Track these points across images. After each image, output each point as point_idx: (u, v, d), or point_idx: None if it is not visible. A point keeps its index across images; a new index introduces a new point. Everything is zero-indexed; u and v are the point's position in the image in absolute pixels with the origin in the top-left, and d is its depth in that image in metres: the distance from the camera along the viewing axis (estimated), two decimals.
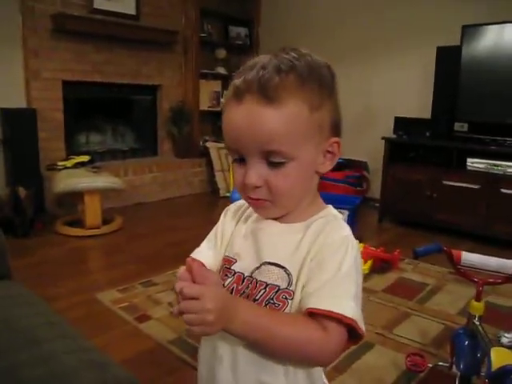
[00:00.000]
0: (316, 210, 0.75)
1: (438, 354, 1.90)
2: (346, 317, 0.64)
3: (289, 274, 0.70)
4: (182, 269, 0.64)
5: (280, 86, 0.65)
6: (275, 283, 0.70)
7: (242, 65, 0.72)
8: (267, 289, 0.70)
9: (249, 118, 0.66)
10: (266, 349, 0.68)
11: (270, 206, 0.71)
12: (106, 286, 2.50)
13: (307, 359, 0.70)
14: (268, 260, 0.72)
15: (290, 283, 0.70)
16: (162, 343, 1.94)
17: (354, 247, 0.70)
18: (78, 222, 3.50)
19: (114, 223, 3.57)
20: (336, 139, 0.72)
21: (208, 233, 0.87)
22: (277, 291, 0.70)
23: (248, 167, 0.69)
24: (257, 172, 0.68)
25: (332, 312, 0.64)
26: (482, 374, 1.45)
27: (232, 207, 0.86)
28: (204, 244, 0.85)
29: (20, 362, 0.93)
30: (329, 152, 0.72)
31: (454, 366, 1.57)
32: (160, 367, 1.79)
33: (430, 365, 1.76)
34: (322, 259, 0.68)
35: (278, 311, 0.69)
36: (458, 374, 1.50)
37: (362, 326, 0.66)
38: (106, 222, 3.53)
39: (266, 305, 0.69)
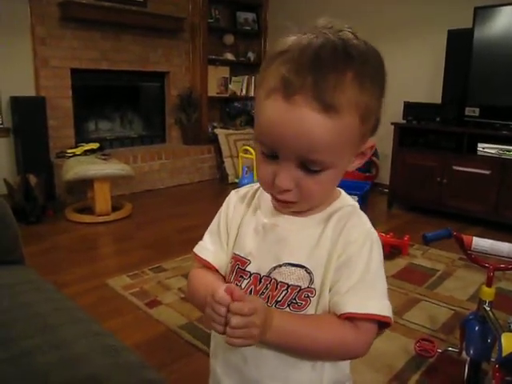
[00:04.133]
0: (332, 197, 0.72)
1: (448, 340, 1.90)
2: (383, 316, 0.65)
3: (310, 273, 0.68)
4: (222, 291, 0.60)
5: (338, 91, 0.58)
6: (296, 284, 0.68)
7: (280, 40, 0.63)
8: (289, 290, 0.68)
9: (298, 123, 0.58)
10: (301, 353, 0.68)
11: (297, 204, 0.67)
12: (117, 271, 2.53)
13: (342, 358, 0.72)
14: (288, 261, 0.69)
15: (311, 281, 0.68)
16: (172, 328, 1.96)
17: (377, 241, 0.69)
18: (88, 209, 3.53)
19: (123, 210, 3.60)
20: (373, 143, 0.68)
21: None
22: (299, 291, 0.68)
23: (281, 169, 0.63)
24: (290, 176, 0.63)
25: (371, 315, 0.65)
26: (493, 359, 1.45)
27: (234, 196, 0.80)
28: (207, 239, 0.81)
29: (33, 347, 0.94)
30: (362, 153, 0.68)
31: (463, 352, 1.57)
32: (171, 352, 1.81)
33: (440, 350, 1.77)
34: (348, 258, 0.67)
35: (311, 316, 0.68)
36: (468, 359, 1.51)
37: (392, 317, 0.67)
38: (115, 208, 3.55)
39: (288, 305, 0.68)
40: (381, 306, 0.66)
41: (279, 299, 0.69)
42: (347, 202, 0.73)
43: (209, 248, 0.79)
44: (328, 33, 0.61)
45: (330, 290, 0.68)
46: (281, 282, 0.69)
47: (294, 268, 0.69)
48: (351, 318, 0.65)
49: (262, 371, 0.71)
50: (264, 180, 0.66)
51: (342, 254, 0.67)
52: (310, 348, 0.66)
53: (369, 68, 0.61)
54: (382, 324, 0.67)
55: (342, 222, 0.69)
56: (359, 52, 0.60)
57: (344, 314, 0.65)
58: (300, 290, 0.68)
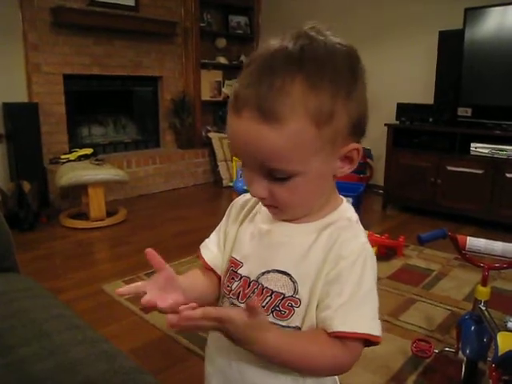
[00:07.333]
0: (331, 206, 0.71)
1: (444, 340, 1.91)
2: (373, 336, 0.65)
3: (294, 282, 0.67)
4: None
5: (281, 96, 0.57)
6: (280, 291, 0.68)
7: (252, 52, 0.64)
8: (273, 296, 0.68)
9: (247, 135, 0.60)
10: (289, 368, 0.68)
11: (280, 212, 0.68)
12: (112, 277, 2.52)
13: (327, 375, 0.73)
14: (276, 268, 0.69)
15: (295, 291, 0.67)
16: (169, 333, 1.95)
17: (371, 256, 0.67)
18: (83, 215, 3.52)
19: (118, 215, 3.59)
20: (355, 146, 0.64)
21: (212, 223, 0.86)
22: (282, 299, 0.68)
23: (253, 178, 0.65)
24: (261, 185, 0.64)
25: (362, 334, 0.64)
26: (489, 359, 1.46)
27: (238, 202, 0.82)
28: (212, 237, 0.83)
29: (29, 354, 0.94)
30: (347, 157, 0.66)
31: (460, 352, 1.57)
32: (167, 357, 1.80)
33: (436, 350, 1.77)
34: (339, 273, 0.65)
35: (302, 332, 0.67)
36: (465, 359, 1.51)
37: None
38: (110, 214, 3.54)
39: (272, 312, 0.68)
40: (372, 325, 0.65)
41: (263, 305, 0.68)
42: (345, 214, 0.71)
43: (209, 247, 0.82)
44: (290, 37, 0.61)
45: (318, 304, 0.66)
46: (266, 287, 0.69)
47: (280, 275, 0.69)
48: (341, 337, 0.64)
49: (244, 377, 0.71)
50: (247, 186, 0.68)
51: (332, 268, 0.66)
52: (300, 363, 0.66)
53: (325, 69, 0.59)
54: (368, 341, 0.66)
55: (335, 236, 0.67)
56: (318, 54, 0.60)
57: (335, 332, 0.64)
58: (284, 297, 0.68)
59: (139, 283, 0.67)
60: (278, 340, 0.62)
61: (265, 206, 0.70)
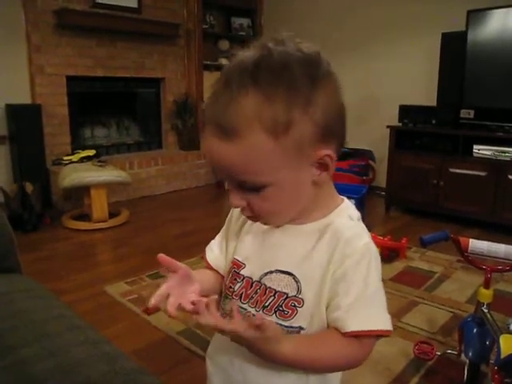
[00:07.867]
0: (331, 206, 0.71)
1: (447, 342, 1.90)
2: (385, 331, 0.66)
3: (297, 282, 0.68)
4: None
5: (235, 110, 0.58)
6: (283, 290, 0.69)
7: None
8: (276, 296, 0.69)
9: (212, 152, 0.62)
10: (299, 369, 0.69)
11: (264, 221, 0.70)
12: (114, 278, 2.52)
13: (341, 370, 0.73)
14: (278, 268, 0.70)
15: (299, 291, 0.68)
16: (170, 334, 1.95)
17: (375, 257, 0.68)
18: (85, 216, 3.52)
19: (120, 216, 3.59)
20: (326, 152, 0.62)
21: (214, 225, 0.87)
22: (285, 298, 0.68)
23: (230, 190, 0.66)
24: (236, 196, 0.65)
25: (375, 331, 0.65)
26: (491, 361, 1.45)
27: None
28: (216, 239, 0.85)
29: (30, 355, 0.94)
30: (321, 164, 0.64)
31: (462, 354, 1.57)
32: (169, 358, 1.80)
33: (439, 353, 1.76)
34: (344, 272, 0.66)
35: (313, 338, 0.68)
36: (467, 361, 1.51)
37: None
38: (112, 215, 3.55)
39: (275, 312, 0.69)
40: (383, 321, 0.66)
41: (266, 305, 0.69)
42: (345, 212, 0.71)
43: (213, 249, 0.84)
44: (251, 52, 0.61)
45: (327, 304, 0.67)
46: (269, 287, 0.70)
47: (283, 275, 0.69)
48: (356, 336, 0.65)
49: (246, 376, 0.72)
50: None
51: (338, 267, 0.66)
52: (314, 366, 0.67)
53: (280, 80, 0.58)
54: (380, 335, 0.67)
55: (337, 236, 0.68)
56: (273, 64, 0.59)
57: (349, 332, 0.65)
58: (287, 297, 0.68)
59: (163, 288, 0.66)
60: (289, 350, 0.63)
61: (247, 218, 0.71)
